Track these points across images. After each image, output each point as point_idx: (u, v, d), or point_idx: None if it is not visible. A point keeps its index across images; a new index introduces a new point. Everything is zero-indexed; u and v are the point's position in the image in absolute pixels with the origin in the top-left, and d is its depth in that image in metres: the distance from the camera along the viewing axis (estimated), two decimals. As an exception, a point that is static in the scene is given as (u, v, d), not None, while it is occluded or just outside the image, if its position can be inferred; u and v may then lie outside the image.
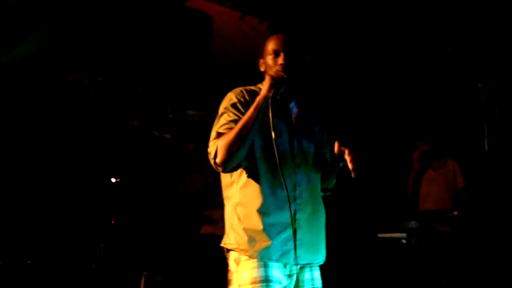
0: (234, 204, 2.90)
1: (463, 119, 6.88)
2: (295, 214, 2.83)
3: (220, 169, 2.81)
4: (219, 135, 2.85)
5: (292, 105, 3.08)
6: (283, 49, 2.97)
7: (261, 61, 3.10)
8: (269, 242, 2.78)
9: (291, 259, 2.82)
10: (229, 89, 3.05)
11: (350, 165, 2.81)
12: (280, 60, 2.95)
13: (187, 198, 6.62)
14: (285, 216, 2.80)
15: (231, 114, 2.91)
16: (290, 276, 2.86)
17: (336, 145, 2.85)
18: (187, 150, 6.84)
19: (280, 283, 2.79)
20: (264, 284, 2.74)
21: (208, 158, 2.87)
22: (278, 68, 2.93)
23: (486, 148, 4.52)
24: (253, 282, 2.74)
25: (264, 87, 2.83)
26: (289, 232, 2.81)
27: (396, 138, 7.56)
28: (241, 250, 2.82)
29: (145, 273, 5.86)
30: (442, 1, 6.02)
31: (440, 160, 6.64)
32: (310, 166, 2.98)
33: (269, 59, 3.01)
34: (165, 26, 6.74)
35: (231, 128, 2.81)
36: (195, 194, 6.58)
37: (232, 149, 2.75)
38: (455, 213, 5.96)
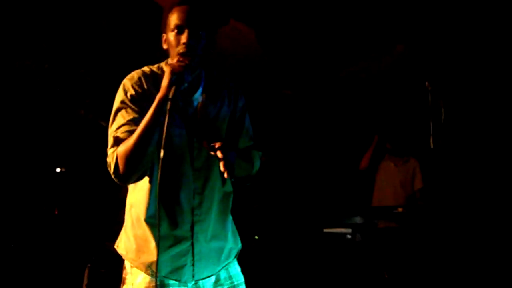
0: (129, 205, 2.61)
1: (410, 117, 6.98)
2: (192, 226, 2.52)
3: (121, 184, 2.43)
4: (118, 141, 2.41)
5: (197, 95, 2.59)
6: (187, 24, 2.45)
7: (164, 36, 2.57)
8: (156, 256, 2.44)
9: (185, 276, 2.54)
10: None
11: (221, 167, 2.32)
12: (184, 38, 2.44)
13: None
14: (180, 229, 2.49)
15: (129, 110, 2.46)
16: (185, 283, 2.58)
17: (204, 144, 2.42)
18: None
19: (177, 285, 2.55)
20: None
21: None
22: (180, 48, 2.43)
23: (432, 147, 4.58)
24: (148, 287, 2.51)
25: (163, 82, 2.37)
26: (183, 246, 2.52)
27: (345, 133, 7.64)
28: (129, 258, 2.57)
29: (89, 265, 5.79)
30: (391, 2, 6.09)
31: (403, 157, 6.69)
32: (215, 168, 2.51)
33: (171, 35, 2.49)
34: (115, 15, 6.66)
35: (130, 132, 2.39)
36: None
37: (133, 161, 2.35)
38: (400, 209, 6.04)
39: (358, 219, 5.97)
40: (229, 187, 2.65)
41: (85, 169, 6.90)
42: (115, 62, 7.05)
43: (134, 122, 2.42)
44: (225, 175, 2.30)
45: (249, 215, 6.48)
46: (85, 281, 5.77)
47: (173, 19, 2.49)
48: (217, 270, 2.63)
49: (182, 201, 2.50)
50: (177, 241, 2.51)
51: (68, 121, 7.26)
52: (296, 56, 6.80)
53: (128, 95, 2.50)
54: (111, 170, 2.40)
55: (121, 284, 2.63)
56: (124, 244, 2.61)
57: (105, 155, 2.45)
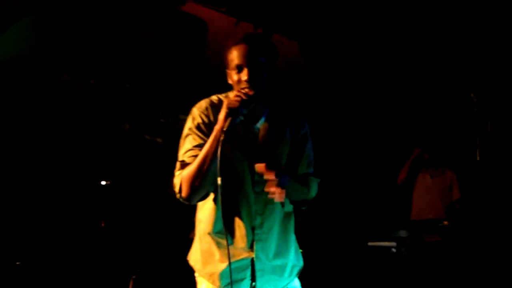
0: (198, 220, 2.84)
1: (456, 129, 6.91)
2: (253, 244, 2.68)
3: (186, 203, 2.66)
4: (183, 165, 2.64)
5: (258, 125, 2.76)
6: (246, 63, 2.61)
7: (228, 72, 2.74)
8: (219, 268, 2.70)
9: None
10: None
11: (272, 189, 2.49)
12: (244, 76, 2.61)
13: (177, 202, 6.60)
14: (242, 245, 2.69)
15: (196, 137, 2.69)
16: None
17: (258, 168, 2.53)
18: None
19: None
20: None
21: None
22: (242, 85, 2.60)
23: (478, 159, 4.54)
24: None
25: (220, 115, 2.54)
26: (244, 261, 2.69)
27: (390, 146, 7.58)
28: (197, 269, 2.81)
29: (134, 276, 5.84)
30: (437, 14, 6.05)
31: (439, 169, 6.66)
32: None
33: (233, 74, 2.66)
34: (160, 30, 6.74)
35: (195, 156, 2.60)
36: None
37: (194, 184, 2.56)
38: (445, 223, 5.99)
39: (403, 233, 5.93)
40: (289, 208, 2.79)
41: (130, 181, 6.97)
42: (159, 77, 7.13)
43: (200, 147, 2.62)
44: (276, 198, 2.46)
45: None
46: (130, 293, 5.82)
47: (232, 58, 2.64)
48: (281, 285, 2.79)
49: (243, 220, 2.68)
50: (239, 256, 2.68)
51: (113, 135, 7.35)
52: (340, 68, 6.78)
53: (195, 123, 2.71)
54: (176, 190, 2.63)
55: None
56: (194, 257, 2.83)
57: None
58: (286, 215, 2.81)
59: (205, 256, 2.75)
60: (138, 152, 7.30)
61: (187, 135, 2.73)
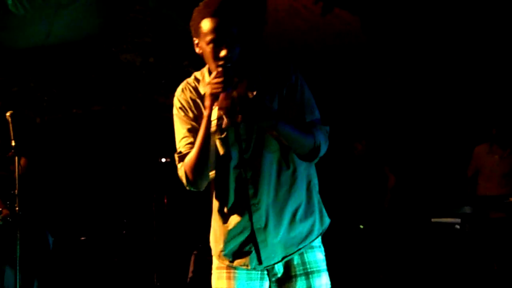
0: (212, 198, 2.76)
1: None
2: (250, 216, 2.59)
3: (197, 190, 2.63)
4: (182, 158, 2.60)
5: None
6: (222, 38, 2.48)
7: (195, 41, 2.60)
8: (223, 245, 2.65)
9: (252, 263, 2.63)
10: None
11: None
12: (223, 52, 2.48)
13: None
14: (241, 219, 2.61)
15: (183, 123, 2.64)
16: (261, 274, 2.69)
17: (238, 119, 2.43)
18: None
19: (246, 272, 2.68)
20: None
21: None
22: (220, 62, 2.47)
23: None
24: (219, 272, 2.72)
25: (205, 103, 2.45)
26: (246, 235, 2.62)
27: (454, 122, 7.46)
28: (211, 247, 2.75)
29: (195, 252, 5.90)
30: None
31: (507, 149, 6.54)
32: (268, 155, 2.57)
33: (208, 48, 2.51)
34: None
35: (190, 143, 2.57)
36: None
37: (198, 172, 2.54)
38: (511, 199, 5.89)
39: (467, 209, 5.85)
40: (292, 166, 2.63)
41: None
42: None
43: (190, 131, 2.62)
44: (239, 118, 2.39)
45: (354, 204, 6.43)
46: (191, 268, 5.88)
47: (205, 32, 2.50)
48: (288, 255, 2.65)
49: (237, 193, 2.61)
50: (240, 230, 2.63)
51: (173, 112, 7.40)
52: (402, 44, 6.68)
53: (177, 107, 2.68)
54: (184, 182, 2.60)
55: None
56: (210, 236, 2.78)
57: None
58: (293, 178, 2.62)
59: (214, 235, 2.72)
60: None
61: (175, 121, 2.69)
